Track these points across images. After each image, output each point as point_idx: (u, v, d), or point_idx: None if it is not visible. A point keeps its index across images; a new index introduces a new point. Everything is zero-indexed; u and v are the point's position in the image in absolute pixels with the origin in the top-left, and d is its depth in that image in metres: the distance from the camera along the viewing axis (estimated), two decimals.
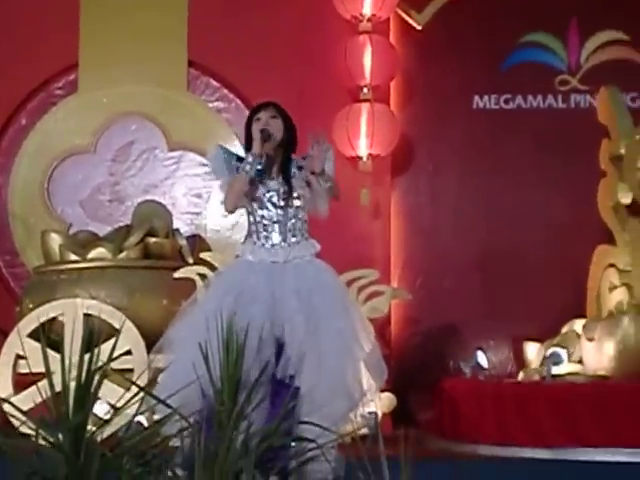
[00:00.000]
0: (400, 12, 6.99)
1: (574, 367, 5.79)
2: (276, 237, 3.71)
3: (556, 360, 5.75)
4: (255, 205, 3.74)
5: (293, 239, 3.72)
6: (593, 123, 6.42)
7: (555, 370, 5.70)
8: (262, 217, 3.72)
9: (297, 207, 3.73)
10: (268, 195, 3.72)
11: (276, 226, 3.71)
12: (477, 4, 6.99)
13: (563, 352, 5.80)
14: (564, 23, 7.04)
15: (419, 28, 7.02)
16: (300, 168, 3.74)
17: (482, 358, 5.94)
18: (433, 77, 7.01)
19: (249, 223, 3.80)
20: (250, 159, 3.67)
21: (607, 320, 5.78)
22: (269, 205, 3.72)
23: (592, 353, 5.75)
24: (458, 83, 7.00)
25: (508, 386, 5.71)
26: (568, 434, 5.09)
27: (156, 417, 2.82)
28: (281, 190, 3.71)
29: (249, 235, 3.80)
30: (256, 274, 3.66)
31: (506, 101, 7.06)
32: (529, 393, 5.41)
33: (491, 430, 5.32)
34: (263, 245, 3.71)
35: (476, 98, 7.05)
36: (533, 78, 7.02)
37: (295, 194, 3.72)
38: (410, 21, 7.03)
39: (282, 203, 3.71)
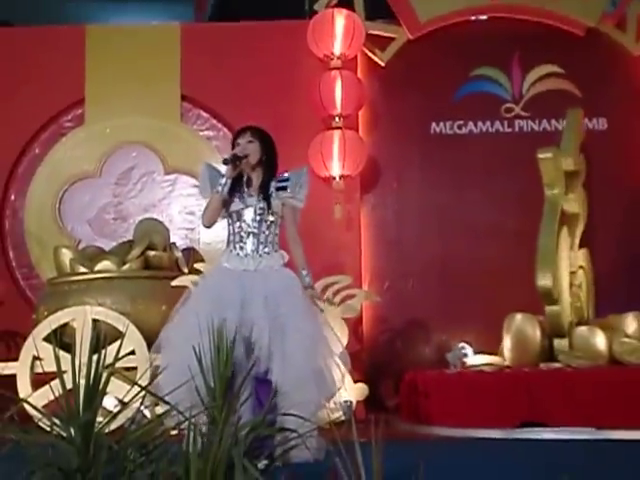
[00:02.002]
0: (366, 51, 7.02)
1: (491, 359, 5.96)
2: (249, 247, 3.69)
3: (460, 353, 6.01)
4: (233, 218, 3.74)
5: (265, 250, 3.69)
6: (534, 145, 6.45)
7: (476, 361, 5.94)
8: (239, 229, 3.71)
9: (271, 222, 3.72)
10: (246, 210, 3.71)
11: (250, 237, 3.70)
12: (433, 43, 7.04)
13: (467, 347, 6.09)
14: (508, 58, 7.10)
15: (383, 64, 7.05)
16: (278, 189, 3.74)
17: (466, 351, 6.05)
18: (395, 107, 7.05)
19: (228, 233, 3.79)
20: (222, 181, 3.68)
21: (508, 317, 5.89)
22: (246, 219, 3.71)
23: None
24: (417, 111, 7.04)
25: (458, 375, 5.76)
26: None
27: (159, 410, 2.81)
28: (258, 206, 3.71)
29: (227, 244, 3.79)
30: (230, 279, 3.65)
31: (459, 127, 7.10)
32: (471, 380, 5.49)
33: (447, 414, 5.34)
34: (238, 254, 3.70)
35: (433, 124, 7.09)
36: (482, 106, 7.07)
37: (271, 211, 3.72)
38: (375, 58, 7.06)
39: (258, 218, 3.70)
